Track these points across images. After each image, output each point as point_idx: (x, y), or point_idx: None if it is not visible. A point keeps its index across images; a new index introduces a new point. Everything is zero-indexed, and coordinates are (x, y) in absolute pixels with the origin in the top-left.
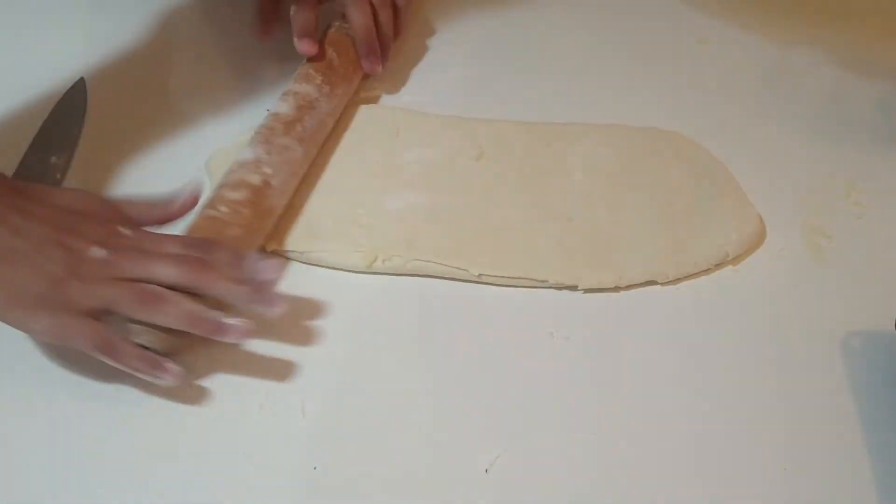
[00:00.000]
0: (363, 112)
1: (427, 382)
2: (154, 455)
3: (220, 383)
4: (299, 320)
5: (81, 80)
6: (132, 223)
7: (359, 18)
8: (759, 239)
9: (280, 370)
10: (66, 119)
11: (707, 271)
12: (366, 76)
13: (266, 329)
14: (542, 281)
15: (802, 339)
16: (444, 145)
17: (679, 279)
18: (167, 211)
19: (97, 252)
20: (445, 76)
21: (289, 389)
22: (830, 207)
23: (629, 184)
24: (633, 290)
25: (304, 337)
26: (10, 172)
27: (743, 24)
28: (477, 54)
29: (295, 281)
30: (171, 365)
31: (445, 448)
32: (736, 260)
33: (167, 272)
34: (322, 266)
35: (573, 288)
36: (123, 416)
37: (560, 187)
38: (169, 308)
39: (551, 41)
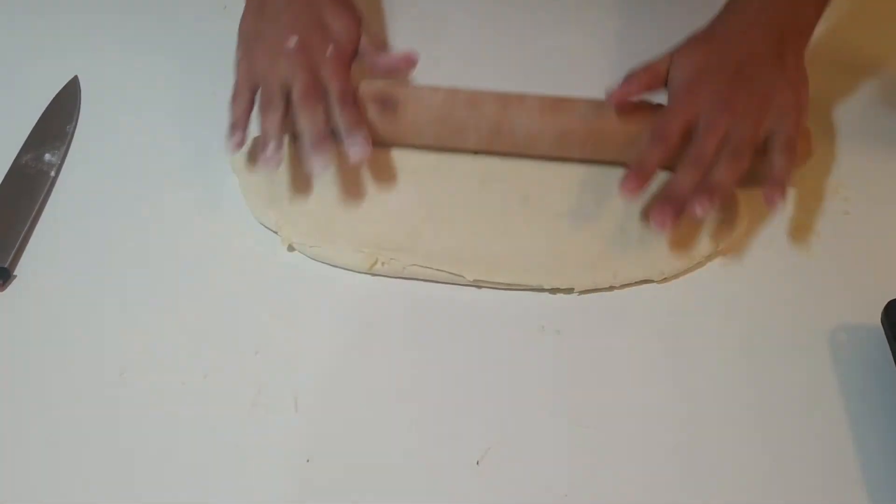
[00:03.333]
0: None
1: (419, 377)
2: (148, 449)
3: (214, 377)
4: (295, 314)
5: (75, 78)
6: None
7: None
8: (746, 229)
9: (273, 364)
10: (60, 117)
11: (698, 265)
12: None
13: (263, 325)
14: (538, 286)
15: (790, 333)
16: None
17: (672, 276)
18: (380, 60)
19: (292, 41)
20: (444, 73)
21: (282, 384)
22: (818, 204)
23: (618, 176)
24: (627, 289)
25: (298, 331)
26: (4, 170)
27: None
28: (474, 51)
29: (294, 274)
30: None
31: (437, 441)
32: (725, 250)
33: (294, 81)
34: (321, 262)
35: (569, 291)
36: (116, 408)
37: (550, 181)
38: (309, 104)
39: (547, 35)
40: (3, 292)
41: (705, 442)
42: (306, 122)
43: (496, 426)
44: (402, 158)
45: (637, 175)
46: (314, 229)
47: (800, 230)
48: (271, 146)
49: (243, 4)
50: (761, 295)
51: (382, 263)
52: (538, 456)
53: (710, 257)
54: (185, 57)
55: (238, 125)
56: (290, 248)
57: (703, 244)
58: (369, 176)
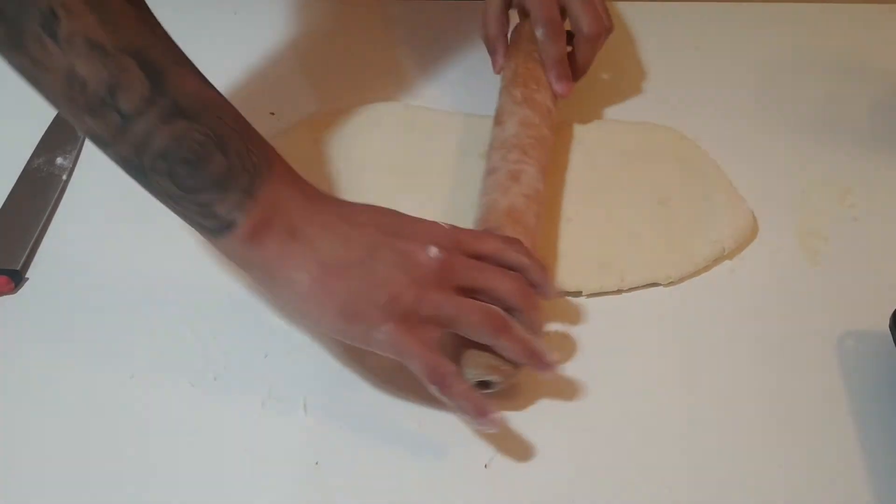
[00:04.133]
0: (373, 109)
1: None
2: (157, 451)
3: (223, 380)
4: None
5: None
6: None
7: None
8: (752, 233)
9: (283, 367)
10: None
11: (705, 268)
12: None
13: (268, 327)
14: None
15: (798, 339)
16: (451, 142)
17: (679, 280)
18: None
19: (432, 251)
20: (450, 73)
21: (291, 387)
22: (825, 209)
23: (625, 182)
24: (634, 292)
25: (307, 334)
26: (17, 173)
27: (739, 25)
28: (479, 52)
29: None
30: (494, 412)
31: (445, 443)
32: (731, 254)
33: (503, 287)
34: None
35: (576, 294)
36: (126, 410)
37: (559, 186)
38: (511, 335)
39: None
40: (16, 294)
41: (712, 447)
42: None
43: (504, 429)
44: (413, 162)
45: (565, 74)
46: None
47: (807, 236)
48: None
49: (254, 10)
50: (768, 300)
51: None
52: (546, 460)
53: (717, 261)
54: (195, 62)
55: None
56: None
57: (710, 248)
58: (383, 177)
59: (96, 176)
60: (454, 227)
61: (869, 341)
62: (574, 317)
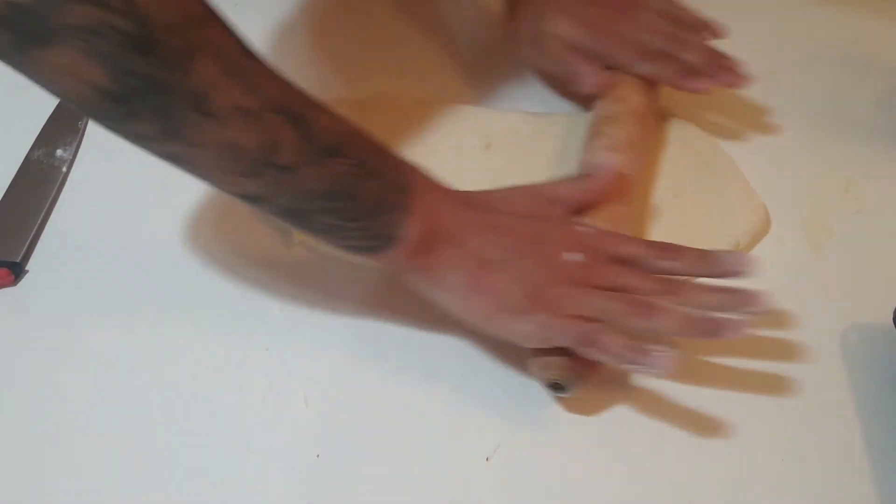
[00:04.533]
0: (372, 103)
1: (430, 373)
2: (158, 443)
3: (224, 373)
4: (306, 310)
5: None
6: (570, 208)
7: None
8: (765, 228)
9: (284, 360)
10: (71, 112)
11: None
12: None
13: (274, 321)
14: None
15: (801, 331)
16: (453, 135)
17: None
18: (593, 190)
19: (571, 256)
20: (453, 65)
21: (292, 379)
22: (830, 202)
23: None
24: None
25: (309, 327)
26: (16, 165)
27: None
28: (484, 44)
29: (306, 270)
30: (657, 349)
31: (446, 436)
32: (745, 249)
33: (645, 287)
34: (333, 258)
35: None
36: (127, 403)
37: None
38: (664, 312)
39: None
40: (16, 287)
41: (713, 441)
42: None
43: (506, 422)
44: (416, 155)
45: (689, 73)
46: None
47: (812, 228)
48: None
49: (253, 1)
50: (773, 293)
51: None
52: (549, 452)
53: None
54: None
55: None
56: (302, 245)
57: (724, 242)
58: None
59: (96, 168)
60: (598, 231)
61: (873, 334)
62: None
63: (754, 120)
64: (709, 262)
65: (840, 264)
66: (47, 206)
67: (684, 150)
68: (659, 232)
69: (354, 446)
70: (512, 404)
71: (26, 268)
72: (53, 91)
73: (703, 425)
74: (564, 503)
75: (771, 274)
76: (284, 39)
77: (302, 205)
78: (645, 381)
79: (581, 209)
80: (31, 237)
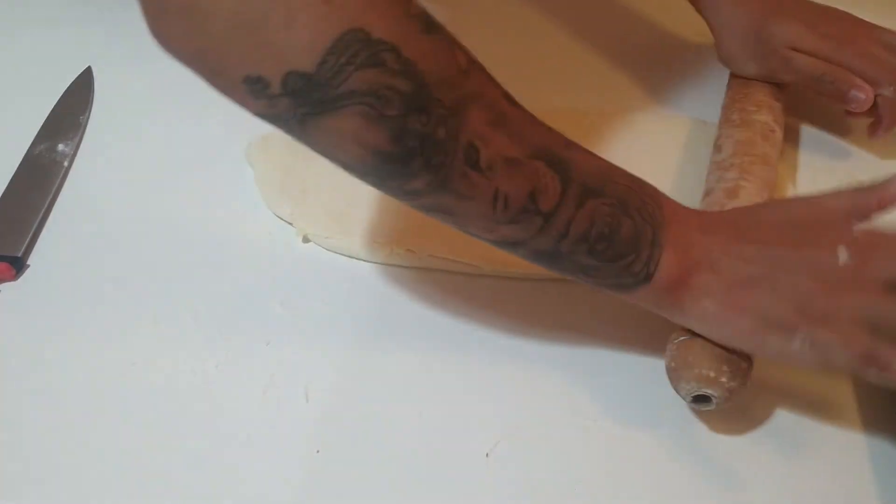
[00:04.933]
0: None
1: (431, 368)
2: (159, 438)
3: (225, 367)
4: (308, 306)
5: (88, 68)
6: (853, 215)
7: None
8: None
9: (285, 355)
10: (73, 107)
11: None
12: None
13: (270, 315)
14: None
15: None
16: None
17: None
18: (886, 194)
19: (842, 255)
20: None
21: (293, 375)
22: None
23: (649, 175)
24: None
25: (310, 323)
26: (17, 160)
27: None
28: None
29: (308, 265)
30: None
31: (446, 432)
32: None
33: None
34: (336, 253)
35: None
36: (128, 398)
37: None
38: None
39: (567, 26)
40: (17, 282)
41: (718, 443)
42: None
43: (506, 418)
44: None
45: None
46: (329, 220)
47: None
48: None
49: None
50: None
51: (398, 254)
52: (549, 449)
53: None
54: None
55: None
56: (305, 240)
57: None
58: None
59: (98, 163)
60: (874, 230)
61: None
62: (582, 306)
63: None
64: None
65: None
66: (49, 200)
67: (695, 147)
68: None
69: (355, 442)
70: (512, 400)
71: (28, 262)
72: (332, 156)
73: (704, 428)
74: (564, 500)
75: None
76: None
77: (559, 247)
78: (649, 381)
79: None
80: (32, 232)
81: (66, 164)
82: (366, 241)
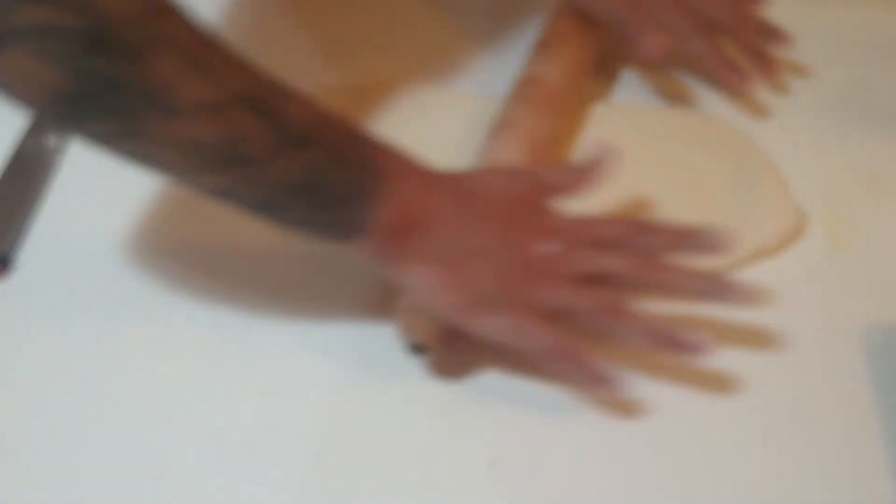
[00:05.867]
0: (378, 90)
1: (432, 379)
2: (151, 444)
3: (221, 369)
4: (304, 308)
5: None
6: (556, 195)
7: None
8: (797, 232)
9: (283, 357)
10: None
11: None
12: None
13: (270, 316)
14: None
15: (822, 332)
16: (462, 124)
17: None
18: (585, 178)
19: (544, 247)
20: (466, 51)
21: (292, 378)
22: (853, 198)
23: (666, 173)
24: None
25: (308, 325)
26: (5, 155)
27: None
28: (496, 29)
29: (305, 265)
30: (615, 378)
31: (447, 441)
32: (773, 253)
33: (621, 267)
34: (334, 252)
35: None
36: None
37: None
38: (632, 319)
39: None
40: (5, 280)
41: (732, 443)
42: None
43: (508, 429)
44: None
45: (734, 68)
46: None
47: (833, 223)
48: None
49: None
50: (792, 291)
51: None
52: (551, 459)
53: (754, 256)
54: None
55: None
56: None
57: (751, 247)
58: None
59: (88, 158)
60: (577, 217)
61: None
62: None
63: (772, 112)
64: (687, 237)
65: (864, 262)
66: (37, 197)
67: (717, 148)
68: None
69: (353, 451)
70: (514, 410)
71: (15, 261)
72: (7, 96)
73: (716, 428)
74: None
75: (790, 270)
76: (267, 23)
77: (271, 198)
78: (660, 385)
79: (566, 198)
80: (20, 229)
81: (56, 159)
82: None
